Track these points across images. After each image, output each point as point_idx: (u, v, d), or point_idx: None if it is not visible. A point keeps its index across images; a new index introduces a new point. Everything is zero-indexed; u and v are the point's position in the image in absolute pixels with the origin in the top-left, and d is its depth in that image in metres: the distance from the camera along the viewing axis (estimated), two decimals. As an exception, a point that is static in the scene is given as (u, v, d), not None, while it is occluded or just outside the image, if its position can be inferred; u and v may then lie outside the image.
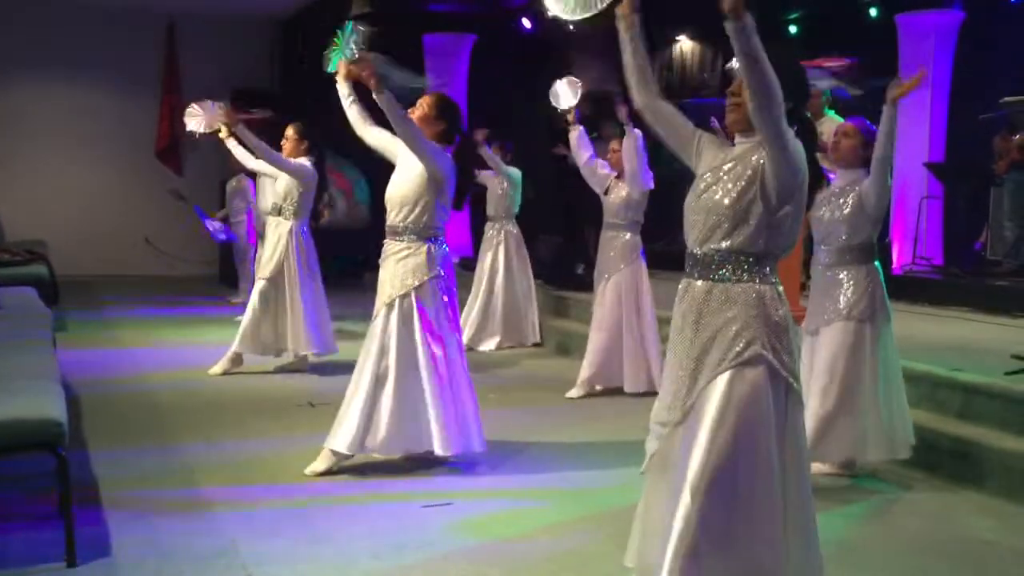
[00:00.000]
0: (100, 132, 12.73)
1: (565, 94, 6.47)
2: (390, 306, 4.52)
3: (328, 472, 4.50)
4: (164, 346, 7.84)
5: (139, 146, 12.96)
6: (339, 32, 4.69)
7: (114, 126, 12.83)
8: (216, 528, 3.81)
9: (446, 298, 4.59)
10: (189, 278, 12.51)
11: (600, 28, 2.90)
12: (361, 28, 4.68)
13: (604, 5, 2.67)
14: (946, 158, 9.43)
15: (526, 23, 11.45)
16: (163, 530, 3.76)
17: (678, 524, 2.56)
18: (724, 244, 2.66)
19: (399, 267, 4.54)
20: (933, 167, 9.19)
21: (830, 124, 7.16)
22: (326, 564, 3.50)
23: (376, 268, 4.68)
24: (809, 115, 2.89)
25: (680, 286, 2.80)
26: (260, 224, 8.42)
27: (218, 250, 11.85)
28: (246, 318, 6.73)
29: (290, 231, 6.73)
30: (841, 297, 4.45)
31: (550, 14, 2.82)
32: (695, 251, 2.74)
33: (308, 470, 4.50)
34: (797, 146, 2.62)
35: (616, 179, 6.34)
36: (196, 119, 7.09)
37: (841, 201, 4.44)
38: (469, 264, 9.24)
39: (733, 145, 2.78)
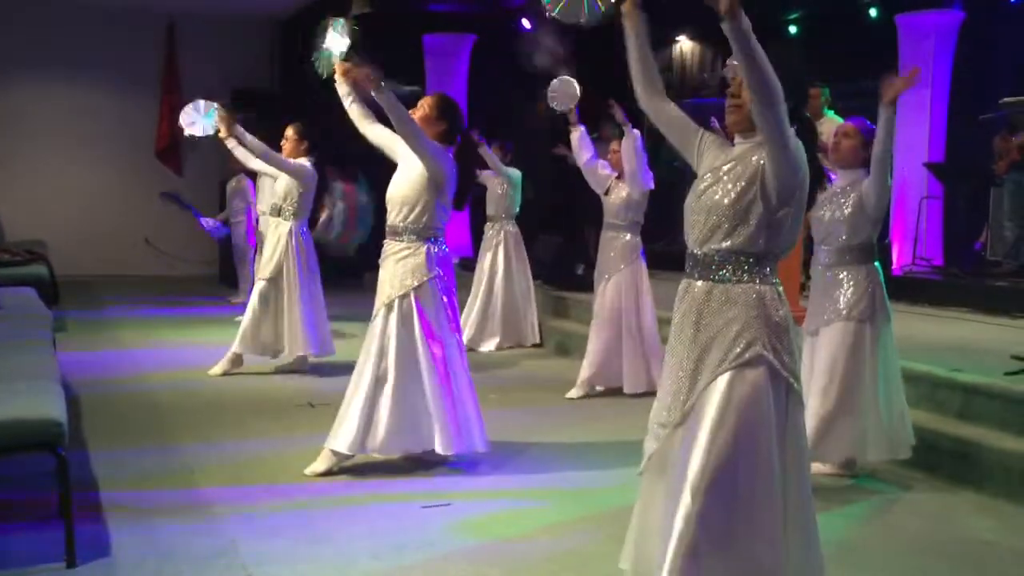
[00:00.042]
0: (100, 132, 12.74)
1: (563, 96, 6.46)
2: (389, 306, 4.52)
3: (328, 472, 4.50)
4: (164, 346, 7.84)
5: (139, 146, 12.97)
6: (322, 33, 4.68)
7: (114, 126, 12.84)
8: (216, 528, 3.81)
9: (445, 298, 4.59)
10: (189, 278, 12.51)
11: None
12: (342, 22, 4.66)
13: (600, 14, 2.66)
14: (946, 158, 9.43)
15: (526, 23, 11.46)
16: (163, 530, 3.76)
17: (678, 524, 2.56)
18: (724, 244, 2.66)
19: (398, 267, 4.54)
20: (933, 167, 9.19)
21: (829, 124, 7.17)
22: (326, 564, 3.50)
23: (376, 268, 4.69)
24: (809, 115, 2.89)
25: (680, 286, 2.80)
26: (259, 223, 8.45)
27: (218, 250, 11.85)
28: (246, 319, 6.73)
29: (290, 231, 6.74)
30: (841, 297, 4.45)
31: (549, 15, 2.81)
32: (695, 251, 2.74)
33: (308, 470, 4.50)
34: (798, 146, 2.62)
35: (616, 179, 6.35)
36: (194, 124, 7.06)
37: (841, 201, 4.44)
38: (469, 264, 9.24)
39: (733, 145, 2.78)
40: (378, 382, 4.49)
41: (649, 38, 2.85)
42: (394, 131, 4.52)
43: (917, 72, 4.29)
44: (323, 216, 7.80)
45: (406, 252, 4.54)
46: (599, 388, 6.42)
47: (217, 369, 6.72)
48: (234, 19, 12.89)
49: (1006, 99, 7.87)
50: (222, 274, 11.80)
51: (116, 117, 12.82)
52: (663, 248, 8.51)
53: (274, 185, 7.02)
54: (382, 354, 4.50)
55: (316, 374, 6.74)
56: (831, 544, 3.41)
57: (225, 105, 6.95)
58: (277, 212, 6.83)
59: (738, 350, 2.62)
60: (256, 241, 8.85)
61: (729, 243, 2.66)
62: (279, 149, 6.80)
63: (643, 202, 6.31)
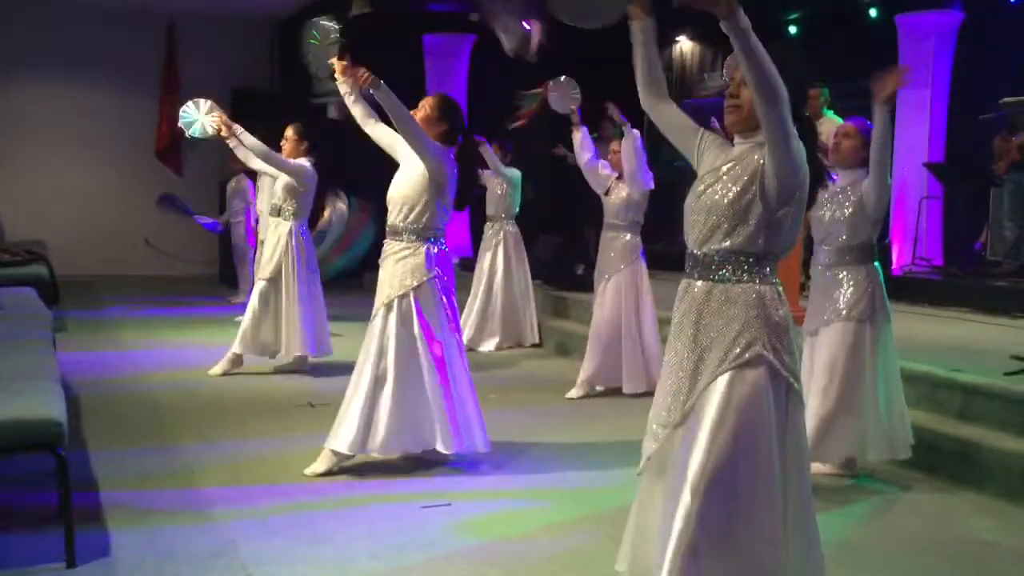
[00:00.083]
0: (100, 132, 12.74)
1: (563, 98, 6.44)
2: (389, 306, 4.52)
3: (328, 473, 4.50)
4: (164, 346, 7.84)
5: (139, 146, 12.97)
6: (307, 34, 4.67)
7: (114, 126, 12.84)
8: (216, 528, 3.81)
9: (445, 298, 4.59)
10: (189, 278, 12.52)
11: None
12: (322, 22, 4.65)
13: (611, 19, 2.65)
14: (946, 158, 9.43)
15: (526, 24, 11.45)
16: (163, 530, 3.76)
17: (678, 524, 2.55)
18: (724, 244, 2.66)
19: (398, 267, 4.54)
20: (933, 167, 9.19)
21: (829, 124, 7.17)
22: (326, 564, 3.50)
23: (376, 268, 4.69)
24: (808, 115, 2.89)
25: (680, 286, 2.80)
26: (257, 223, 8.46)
27: (218, 250, 11.86)
28: (246, 319, 6.73)
29: (290, 231, 6.73)
30: (841, 298, 4.45)
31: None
32: (695, 251, 2.73)
33: (308, 471, 4.50)
34: (799, 146, 2.62)
35: (616, 179, 6.35)
36: (193, 124, 7.01)
37: (841, 201, 4.44)
38: (469, 264, 9.25)
39: (733, 146, 2.78)
40: (378, 382, 4.49)
41: (656, 40, 2.85)
42: (396, 130, 4.53)
43: (907, 70, 4.27)
44: (322, 221, 7.79)
45: (406, 252, 4.54)
46: (599, 388, 6.43)
47: (217, 369, 6.72)
48: (234, 19, 12.89)
49: (1006, 99, 7.88)
50: (222, 274, 11.81)
51: (116, 117, 12.83)
52: (663, 248, 8.52)
53: (273, 185, 7.01)
54: (382, 354, 4.50)
55: (316, 374, 6.74)
56: (831, 544, 3.41)
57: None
58: (277, 212, 6.83)
59: (738, 350, 2.62)
60: (256, 241, 8.85)
61: (729, 243, 2.65)
62: (279, 149, 6.80)
63: (643, 202, 6.31)
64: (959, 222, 9.10)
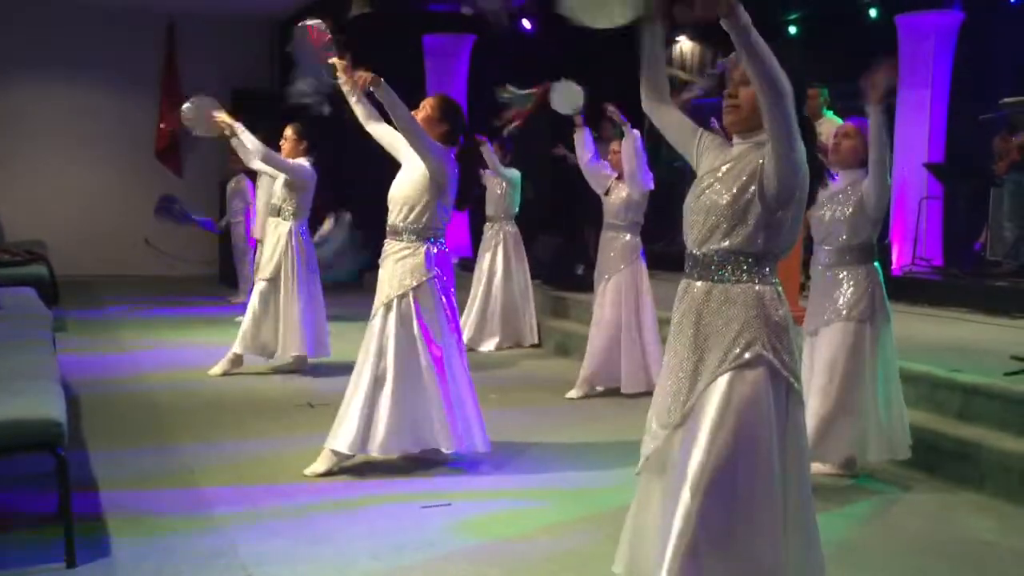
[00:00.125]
0: (100, 132, 12.73)
1: (568, 100, 6.42)
2: (388, 306, 4.52)
3: (328, 473, 4.50)
4: (164, 346, 7.84)
5: (139, 146, 12.97)
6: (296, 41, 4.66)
7: (114, 126, 12.84)
8: (216, 528, 3.81)
9: (444, 298, 4.59)
10: (189, 278, 12.51)
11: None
12: (311, 23, 4.62)
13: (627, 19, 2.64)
14: (946, 159, 9.44)
15: (526, 23, 11.46)
16: (163, 530, 3.77)
17: (678, 523, 2.55)
18: (723, 244, 2.66)
19: (398, 267, 4.54)
20: (933, 168, 9.19)
21: (829, 125, 7.18)
22: (325, 564, 3.50)
23: (376, 268, 4.69)
24: (807, 115, 2.88)
25: (680, 287, 2.80)
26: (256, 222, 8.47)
27: (218, 250, 11.85)
28: (246, 319, 6.73)
29: (289, 232, 6.74)
30: (841, 298, 4.45)
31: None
32: (694, 252, 2.73)
33: (308, 471, 4.50)
34: (800, 144, 2.62)
35: (616, 180, 6.35)
36: (196, 123, 6.99)
37: (842, 201, 4.44)
38: (468, 264, 9.25)
39: (732, 146, 2.78)
40: (377, 382, 4.49)
41: (664, 45, 2.85)
42: (397, 130, 4.53)
43: (891, 67, 4.25)
44: (323, 229, 7.80)
45: (405, 252, 4.54)
46: (599, 388, 6.43)
47: (217, 369, 6.72)
48: (234, 19, 12.89)
49: (1006, 99, 7.88)
50: (222, 274, 11.81)
51: (116, 117, 12.82)
52: (663, 248, 8.52)
53: (273, 185, 7.02)
54: (381, 354, 4.50)
55: (315, 374, 6.74)
56: (831, 544, 3.41)
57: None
58: (276, 212, 6.84)
59: (738, 350, 2.62)
60: (255, 241, 8.84)
61: (728, 243, 2.65)
62: (278, 149, 6.81)
63: (643, 202, 6.31)
64: (959, 222, 9.10)
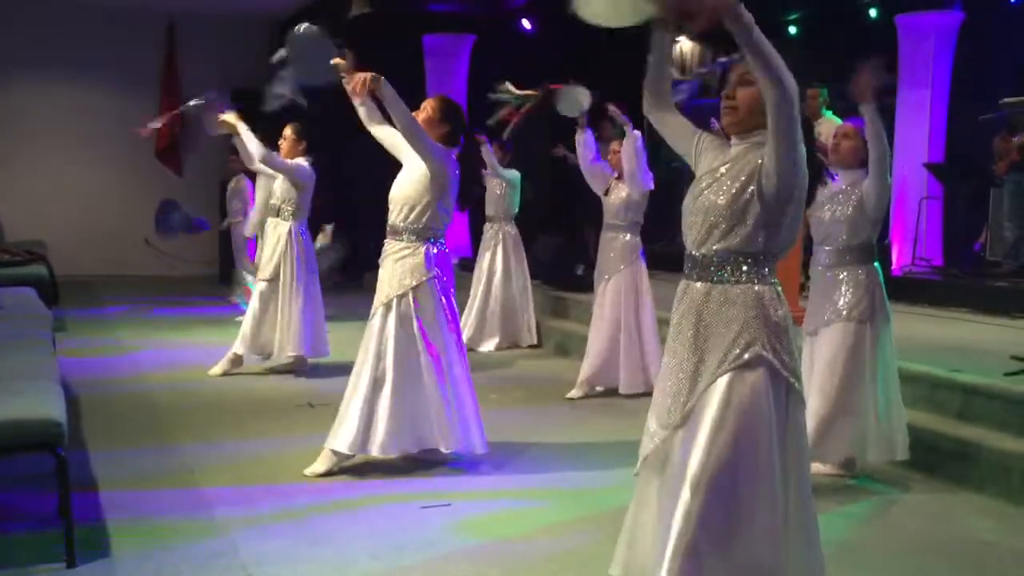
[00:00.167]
0: (100, 132, 12.72)
1: (574, 103, 6.41)
2: (388, 306, 4.52)
3: (328, 473, 4.50)
4: (164, 346, 7.84)
5: (139, 146, 12.90)
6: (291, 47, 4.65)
7: (114, 126, 12.81)
8: (215, 528, 3.81)
9: (444, 299, 4.59)
10: (189, 278, 12.51)
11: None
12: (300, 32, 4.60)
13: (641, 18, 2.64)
14: (946, 159, 9.43)
15: (526, 23, 11.46)
16: (163, 530, 3.77)
17: (677, 523, 2.55)
18: (722, 245, 2.66)
19: (397, 267, 4.54)
20: (933, 168, 9.19)
21: (828, 125, 7.18)
22: (325, 564, 3.50)
23: (376, 268, 4.69)
24: (806, 115, 2.89)
25: (679, 288, 2.80)
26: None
27: (218, 250, 11.84)
28: (247, 320, 6.74)
29: (289, 232, 6.74)
30: (841, 298, 4.45)
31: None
32: (693, 252, 2.73)
33: (308, 471, 4.50)
34: (802, 146, 2.63)
35: (616, 180, 6.35)
36: (208, 121, 6.97)
37: (842, 202, 4.44)
38: (468, 264, 9.25)
39: (730, 147, 2.78)
40: (376, 382, 4.49)
41: (671, 50, 2.86)
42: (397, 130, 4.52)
43: (876, 64, 4.25)
44: (323, 238, 7.81)
45: (405, 252, 4.54)
46: (599, 388, 6.43)
47: (217, 369, 6.72)
48: (234, 19, 12.89)
49: (1006, 99, 7.88)
50: (222, 274, 11.80)
51: (116, 117, 12.80)
52: (663, 248, 8.52)
53: (272, 184, 7.02)
54: (380, 354, 4.50)
55: (315, 375, 6.74)
56: (831, 544, 3.41)
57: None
58: (276, 212, 6.84)
59: (737, 351, 2.62)
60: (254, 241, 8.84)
61: (727, 244, 2.65)
62: (277, 149, 6.81)
63: (643, 202, 6.31)
64: (959, 222, 9.10)
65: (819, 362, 4.48)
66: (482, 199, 8.26)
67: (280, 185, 6.85)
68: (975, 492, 4.44)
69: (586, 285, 7.74)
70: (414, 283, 4.51)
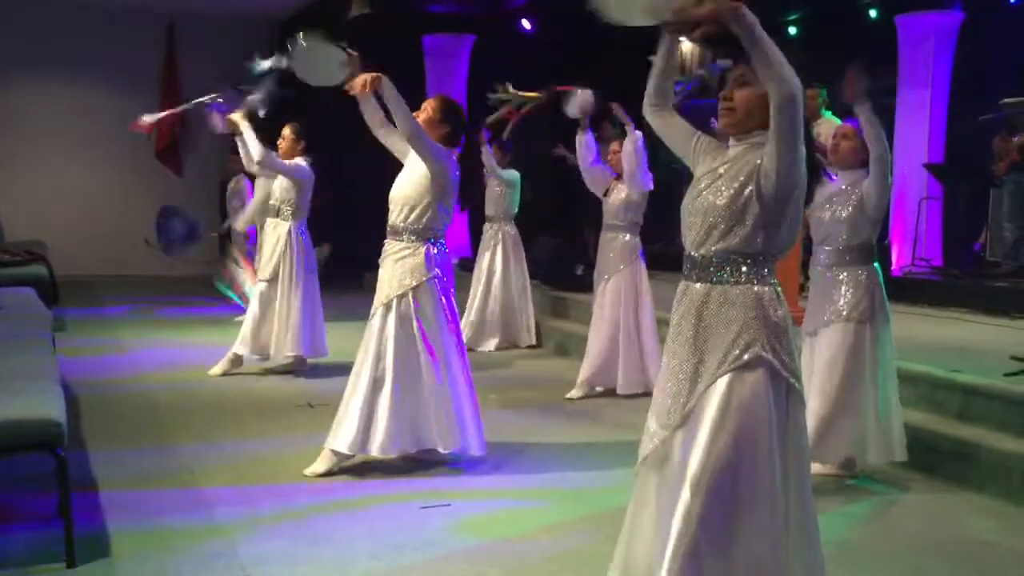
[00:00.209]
0: (100, 132, 12.72)
1: (580, 106, 6.41)
2: (388, 306, 4.52)
3: (328, 473, 4.50)
4: (163, 346, 7.84)
5: (139, 146, 12.93)
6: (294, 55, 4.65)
7: (114, 126, 12.78)
8: (215, 528, 3.82)
9: (444, 299, 4.59)
10: (189, 278, 12.49)
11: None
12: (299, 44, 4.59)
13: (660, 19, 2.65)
14: (945, 159, 9.44)
15: (526, 24, 11.46)
16: (162, 530, 3.77)
17: (677, 523, 2.55)
18: (721, 246, 2.66)
19: (397, 267, 4.54)
20: (932, 168, 9.19)
21: (827, 125, 7.18)
22: (325, 564, 3.50)
23: (376, 268, 4.69)
24: (805, 115, 2.89)
25: (679, 288, 2.80)
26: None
27: (218, 250, 11.83)
28: (247, 321, 6.74)
29: (288, 232, 6.74)
30: (840, 299, 4.45)
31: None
32: (692, 253, 2.73)
33: (308, 471, 4.50)
34: (802, 147, 2.63)
35: (615, 180, 6.35)
36: (215, 119, 6.96)
37: (841, 202, 4.44)
38: (468, 265, 9.25)
39: (729, 148, 2.78)
40: (376, 383, 4.49)
41: (677, 54, 2.87)
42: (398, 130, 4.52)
43: (860, 69, 4.27)
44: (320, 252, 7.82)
45: (405, 252, 4.54)
46: (599, 388, 6.43)
47: (217, 369, 6.72)
48: (234, 19, 12.89)
49: (1006, 100, 7.88)
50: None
51: (116, 117, 12.75)
52: (663, 249, 8.52)
53: (271, 183, 7.02)
54: (380, 354, 4.50)
55: (315, 375, 6.74)
56: (831, 544, 3.41)
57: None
58: (276, 213, 6.85)
59: (737, 352, 2.62)
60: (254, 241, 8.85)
61: (726, 244, 2.65)
62: (276, 148, 6.82)
63: (642, 203, 6.31)
64: (959, 223, 9.10)
65: (819, 362, 4.47)
66: (482, 199, 8.26)
67: (279, 185, 6.85)
68: (975, 492, 4.44)
69: (586, 285, 7.74)
70: (414, 283, 4.51)
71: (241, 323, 6.94)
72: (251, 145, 6.62)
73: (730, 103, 2.71)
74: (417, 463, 4.65)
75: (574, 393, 6.36)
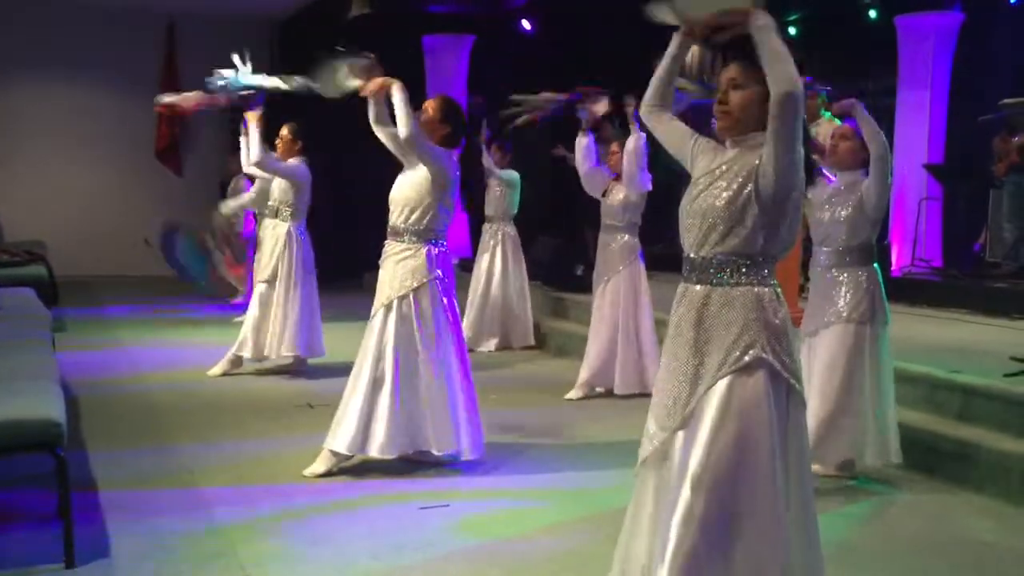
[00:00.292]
0: (100, 132, 12.73)
1: (598, 106, 6.39)
2: (388, 307, 4.52)
3: (327, 473, 4.50)
4: (163, 346, 7.84)
5: (139, 146, 12.96)
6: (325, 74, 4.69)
7: (114, 126, 12.83)
8: (215, 528, 3.81)
9: (445, 300, 4.59)
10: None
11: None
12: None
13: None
14: (945, 160, 9.44)
15: (526, 24, 11.46)
16: (162, 530, 3.76)
17: (677, 523, 2.55)
18: (721, 247, 2.66)
19: (398, 268, 4.54)
20: (932, 169, 9.20)
21: (827, 126, 7.17)
22: (325, 564, 3.50)
23: (376, 268, 4.69)
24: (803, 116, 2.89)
25: (678, 290, 2.80)
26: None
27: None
28: (247, 322, 6.73)
29: (288, 233, 6.74)
30: (840, 299, 4.44)
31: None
32: (692, 255, 2.73)
33: (307, 471, 4.50)
34: (800, 148, 2.63)
35: (614, 181, 6.35)
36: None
37: (841, 203, 4.44)
38: (467, 265, 9.25)
39: (726, 149, 2.78)
40: (376, 383, 4.49)
41: (682, 57, 2.88)
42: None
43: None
44: None
45: (406, 253, 4.54)
46: (599, 389, 6.43)
47: (216, 370, 6.72)
48: (234, 19, 12.87)
49: (1005, 100, 7.89)
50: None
51: (116, 117, 12.82)
52: (662, 250, 8.52)
53: (270, 182, 7.02)
54: (380, 355, 4.50)
55: (315, 375, 6.74)
56: (831, 544, 3.41)
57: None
58: (275, 213, 6.85)
59: (737, 353, 2.62)
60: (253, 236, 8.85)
61: (726, 246, 2.65)
62: (275, 148, 6.82)
63: (641, 204, 6.31)
64: (958, 223, 9.10)
65: (818, 364, 4.47)
66: (482, 200, 8.26)
67: (278, 186, 6.85)
68: (975, 492, 4.44)
69: (586, 286, 7.74)
70: (415, 285, 4.51)
71: (241, 323, 6.94)
72: (253, 146, 6.62)
73: (726, 107, 2.72)
74: (416, 463, 4.65)
75: (574, 394, 6.36)
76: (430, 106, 4.64)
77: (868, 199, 4.35)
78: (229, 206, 9.02)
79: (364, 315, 4.72)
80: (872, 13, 9.70)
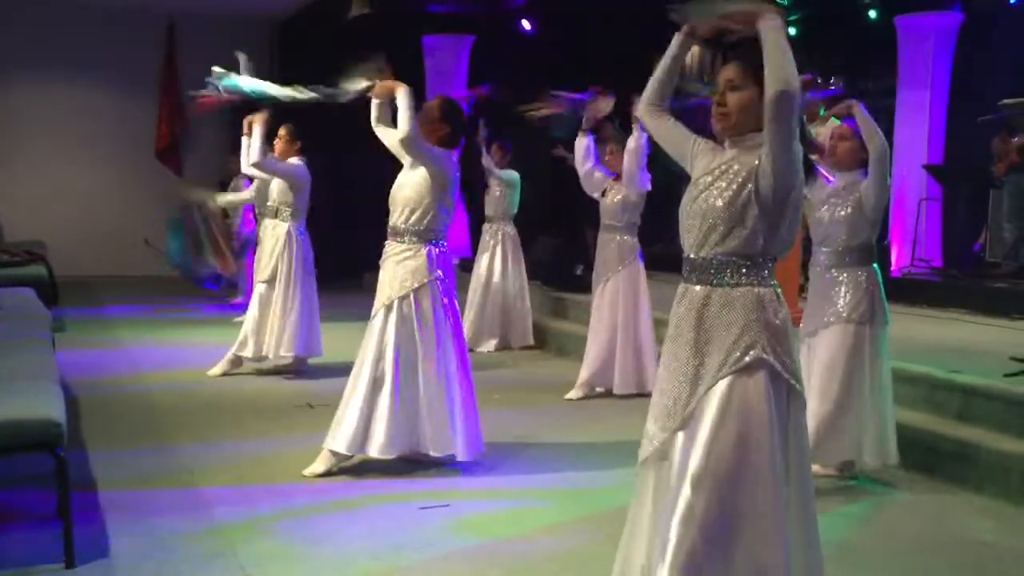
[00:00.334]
0: (100, 132, 12.73)
1: (603, 107, 6.37)
2: (389, 307, 4.52)
3: (327, 473, 4.50)
4: (163, 346, 7.84)
5: (139, 146, 12.96)
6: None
7: (114, 126, 12.83)
8: (214, 528, 3.81)
9: (446, 300, 4.59)
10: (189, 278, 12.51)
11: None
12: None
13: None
14: (945, 160, 9.44)
15: (526, 24, 11.46)
16: (161, 530, 3.76)
17: (677, 523, 2.55)
18: (721, 248, 2.65)
19: (399, 269, 4.54)
20: (932, 169, 9.20)
21: (826, 127, 7.16)
22: (324, 564, 3.50)
23: (376, 269, 4.69)
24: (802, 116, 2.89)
25: (678, 290, 2.80)
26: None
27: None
28: (247, 322, 6.73)
29: (287, 233, 6.74)
30: (840, 300, 4.44)
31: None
32: (692, 256, 2.73)
33: (307, 471, 4.50)
34: (797, 147, 2.63)
35: (613, 181, 6.35)
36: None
37: (840, 203, 4.44)
38: (467, 265, 9.25)
39: (725, 149, 2.78)
40: (376, 383, 4.49)
41: (683, 59, 2.88)
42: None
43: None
44: None
45: (407, 254, 4.54)
46: (598, 389, 6.43)
47: (216, 370, 6.72)
48: (234, 19, 12.88)
49: (1005, 100, 7.88)
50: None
51: (116, 117, 12.82)
52: (662, 250, 8.52)
53: (268, 186, 7.03)
54: (380, 355, 4.50)
55: (315, 375, 6.74)
56: (831, 544, 3.41)
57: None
58: (274, 214, 6.85)
59: (738, 354, 2.62)
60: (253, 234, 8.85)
61: (726, 246, 2.65)
62: (273, 148, 6.82)
63: (640, 204, 6.31)
64: (958, 223, 9.10)
65: (818, 364, 4.47)
66: (482, 200, 8.26)
67: (277, 187, 6.86)
68: (974, 493, 4.44)
69: (585, 286, 7.74)
70: (416, 285, 4.51)
71: (241, 323, 6.94)
72: (255, 148, 6.62)
73: (724, 108, 2.72)
74: (416, 463, 4.65)
75: (573, 394, 6.36)
76: (431, 107, 4.64)
77: (867, 199, 4.35)
78: (225, 198, 9.01)
79: (364, 315, 4.72)
80: (872, 13, 9.70)
